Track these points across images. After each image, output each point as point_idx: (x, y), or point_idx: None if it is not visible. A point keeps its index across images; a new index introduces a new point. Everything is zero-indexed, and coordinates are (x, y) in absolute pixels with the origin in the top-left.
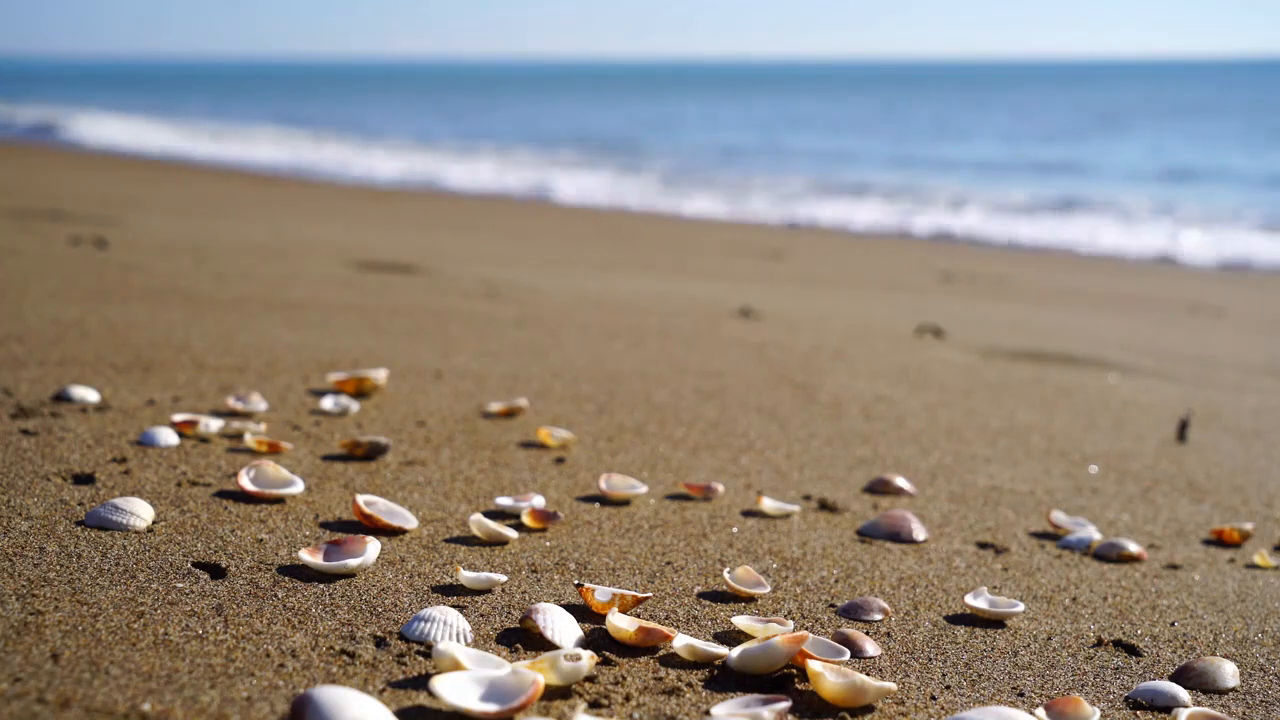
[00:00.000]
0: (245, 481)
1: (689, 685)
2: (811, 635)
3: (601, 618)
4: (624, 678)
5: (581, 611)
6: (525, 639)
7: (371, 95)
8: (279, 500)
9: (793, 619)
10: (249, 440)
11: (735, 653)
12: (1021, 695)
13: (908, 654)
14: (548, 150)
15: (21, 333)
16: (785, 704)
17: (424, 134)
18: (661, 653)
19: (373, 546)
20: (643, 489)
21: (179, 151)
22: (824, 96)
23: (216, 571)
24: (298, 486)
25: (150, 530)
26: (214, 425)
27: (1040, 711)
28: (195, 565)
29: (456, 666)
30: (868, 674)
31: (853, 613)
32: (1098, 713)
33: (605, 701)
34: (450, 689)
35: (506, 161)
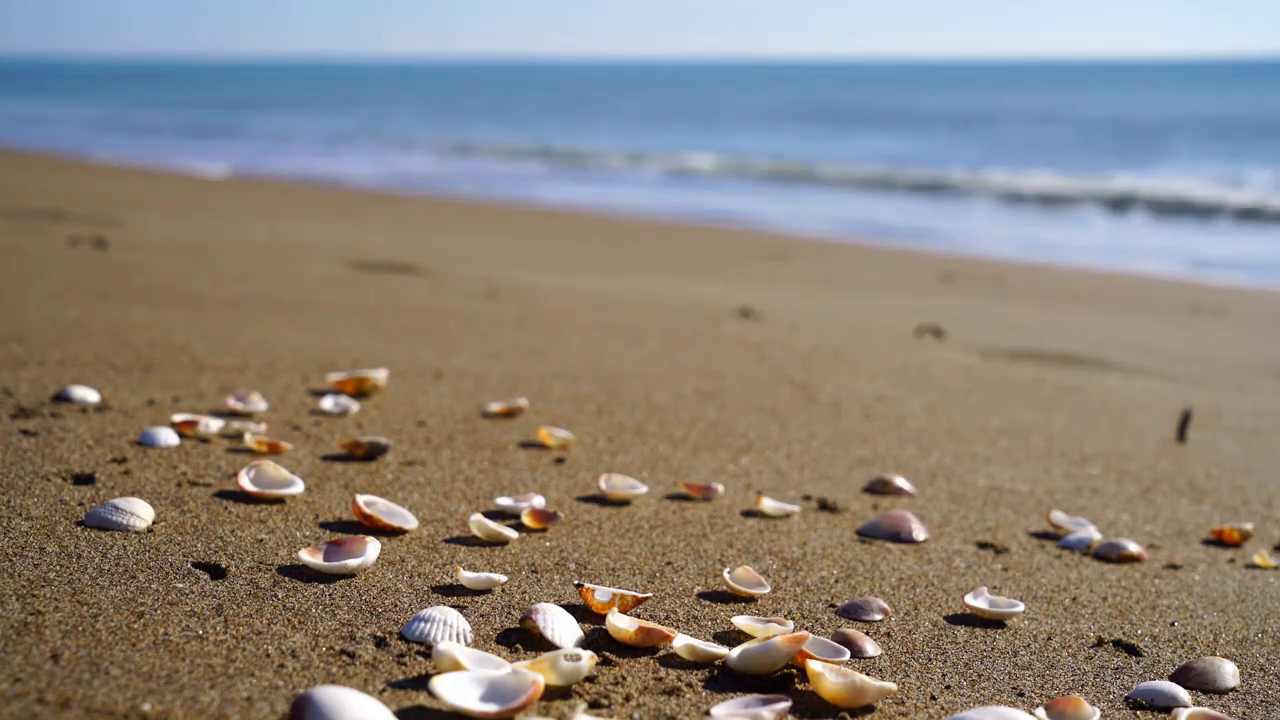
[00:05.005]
0: (245, 481)
1: (689, 685)
2: (811, 635)
3: (601, 618)
4: (624, 678)
5: (581, 611)
6: (525, 639)
7: (378, 95)
8: (279, 500)
9: (793, 619)
10: (249, 440)
11: (735, 653)
12: (1021, 695)
13: (908, 654)
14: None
15: (21, 333)
16: (785, 704)
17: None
18: (661, 653)
19: (373, 546)
20: (643, 489)
21: None
22: (829, 96)
23: (216, 571)
24: (298, 486)
25: (150, 530)
26: (214, 425)
27: (1040, 711)
28: (195, 565)
29: (456, 667)
30: (868, 674)
31: (853, 613)
32: (1098, 713)
33: (605, 701)
34: (450, 689)
35: (512, 161)
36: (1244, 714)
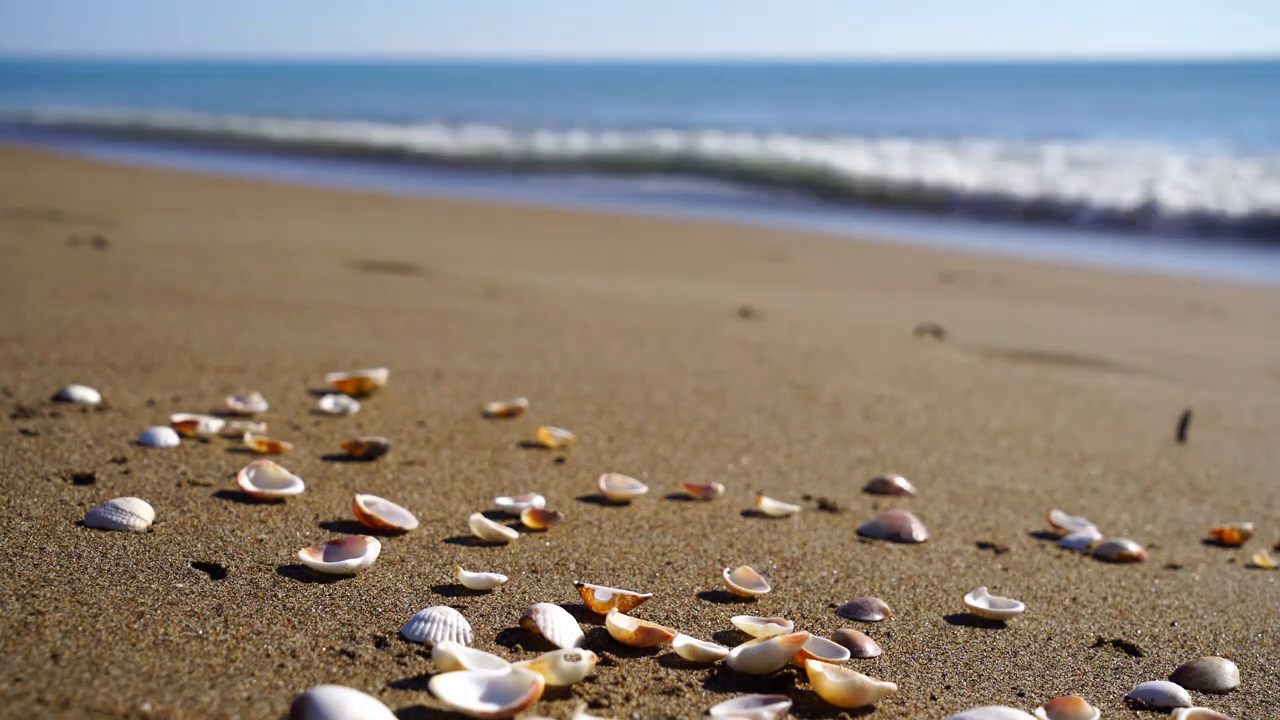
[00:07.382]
0: (245, 482)
1: (689, 685)
2: (811, 635)
3: (601, 618)
4: (624, 678)
5: (581, 611)
6: (525, 639)
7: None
8: (279, 500)
9: (793, 619)
10: (249, 440)
11: (735, 653)
12: (1021, 695)
13: (908, 654)
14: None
15: (21, 333)
16: (785, 704)
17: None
18: (661, 653)
19: (373, 546)
20: (643, 489)
21: None
22: (829, 95)
23: (216, 571)
24: (298, 486)
25: (150, 530)
26: (214, 425)
27: (1040, 711)
28: (195, 565)
29: (456, 666)
30: (868, 674)
31: (853, 613)
32: (1098, 713)
33: (605, 701)
34: (450, 689)
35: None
36: (1244, 714)
